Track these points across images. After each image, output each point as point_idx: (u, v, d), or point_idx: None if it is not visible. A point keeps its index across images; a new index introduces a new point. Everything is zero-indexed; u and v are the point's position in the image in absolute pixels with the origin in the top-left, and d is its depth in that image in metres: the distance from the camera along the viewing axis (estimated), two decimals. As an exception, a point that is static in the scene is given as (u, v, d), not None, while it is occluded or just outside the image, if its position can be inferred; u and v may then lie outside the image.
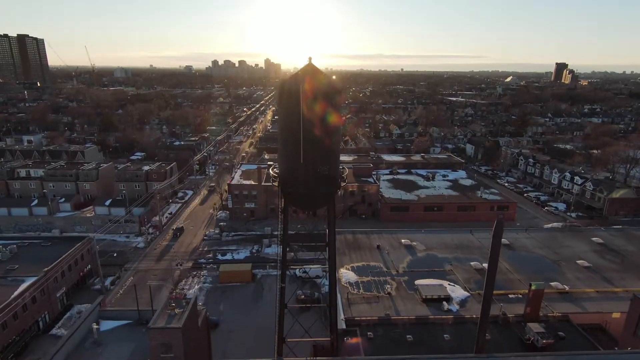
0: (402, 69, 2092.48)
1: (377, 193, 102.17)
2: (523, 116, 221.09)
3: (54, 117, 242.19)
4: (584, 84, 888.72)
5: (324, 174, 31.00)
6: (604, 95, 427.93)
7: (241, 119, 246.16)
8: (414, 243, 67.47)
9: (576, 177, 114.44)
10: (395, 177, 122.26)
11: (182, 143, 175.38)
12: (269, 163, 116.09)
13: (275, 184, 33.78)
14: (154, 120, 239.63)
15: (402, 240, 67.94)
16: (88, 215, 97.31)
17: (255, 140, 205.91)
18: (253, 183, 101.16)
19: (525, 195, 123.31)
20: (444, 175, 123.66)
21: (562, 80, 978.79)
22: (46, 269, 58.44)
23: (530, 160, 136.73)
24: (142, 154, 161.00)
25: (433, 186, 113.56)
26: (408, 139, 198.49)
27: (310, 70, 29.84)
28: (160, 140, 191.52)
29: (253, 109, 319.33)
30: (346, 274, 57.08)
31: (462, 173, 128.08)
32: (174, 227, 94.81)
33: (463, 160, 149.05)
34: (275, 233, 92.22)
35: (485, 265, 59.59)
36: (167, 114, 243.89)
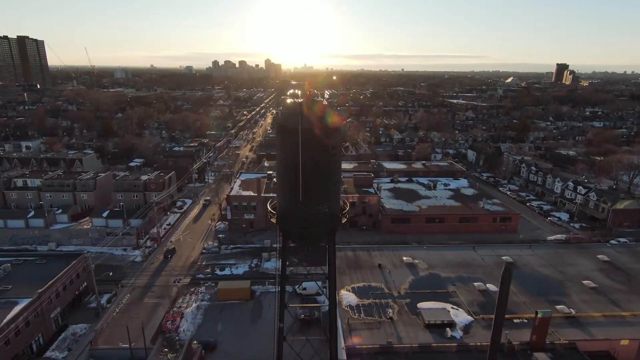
0: (402, 69, 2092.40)
1: (378, 204, 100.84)
2: (525, 120, 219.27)
3: (53, 121, 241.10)
4: (584, 84, 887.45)
5: (325, 212, 29.71)
6: (605, 97, 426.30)
7: (241, 124, 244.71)
8: (416, 261, 66.14)
9: (579, 187, 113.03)
10: (396, 185, 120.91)
11: (182, 149, 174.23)
12: (268, 172, 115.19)
13: (274, 220, 32.46)
14: (154, 124, 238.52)
15: (404, 258, 66.59)
16: (85, 227, 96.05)
17: (255, 145, 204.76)
18: (252, 194, 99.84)
19: (527, 204, 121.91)
20: (445, 184, 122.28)
21: (563, 81, 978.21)
22: (40, 290, 57.18)
23: (533, 168, 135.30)
24: (141, 160, 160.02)
25: (435, 196, 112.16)
26: (409, 144, 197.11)
27: (309, 104, 28.52)
28: (160, 145, 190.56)
29: (253, 112, 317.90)
30: (347, 296, 55.78)
31: (463, 182, 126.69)
32: (165, 248, 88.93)
33: (464, 168, 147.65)
34: (275, 246, 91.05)
35: (489, 286, 58.51)
36: (167, 118, 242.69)
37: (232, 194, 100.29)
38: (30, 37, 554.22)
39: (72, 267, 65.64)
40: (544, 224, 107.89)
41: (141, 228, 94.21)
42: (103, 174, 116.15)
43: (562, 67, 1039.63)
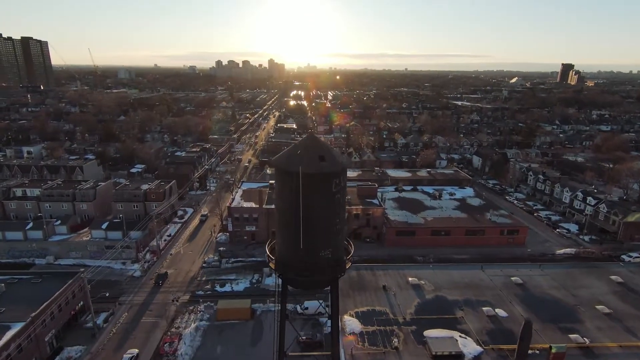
0: (406, 69, 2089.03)
1: (382, 216, 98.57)
2: (531, 125, 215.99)
3: (55, 124, 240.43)
4: (590, 84, 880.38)
5: (327, 257, 27.59)
6: (612, 99, 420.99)
7: (243, 128, 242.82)
8: (422, 282, 63.93)
9: (589, 198, 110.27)
10: (400, 195, 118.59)
11: (184, 154, 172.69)
12: (270, 182, 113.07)
13: (272, 265, 30.40)
14: (156, 128, 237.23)
15: (410, 279, 64.41)
16: (85, 238, 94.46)
17: (258, 148, 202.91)
18: (254, 206, 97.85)
19: (535, 214, 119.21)
20: (451, 194, 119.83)
21: (568, 81, 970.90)
22: (34, 314, 55.44)
23: (540, 176, 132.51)
24: (143, 166, 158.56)
25: (440, 206, 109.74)
26: (413, 149, 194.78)
27: (311, 145, 26.39)
28: (162, 150, 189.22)
29: (256, 115, 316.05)
30: (350, 323, 53.69)
31: (469, 191, 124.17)
32: (156, 273, 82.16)
33: (470, 176, 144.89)
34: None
35: (498, 311, 56.17)
36: (169, 121, 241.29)
37: (233, 205, 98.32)
38: (34, 38, 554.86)
39: (68, 287, 63.90)
40: (552, 235, 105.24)
41: (141, 241, 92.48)
42: (103, 183, 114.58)
43: (567, 67, 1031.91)
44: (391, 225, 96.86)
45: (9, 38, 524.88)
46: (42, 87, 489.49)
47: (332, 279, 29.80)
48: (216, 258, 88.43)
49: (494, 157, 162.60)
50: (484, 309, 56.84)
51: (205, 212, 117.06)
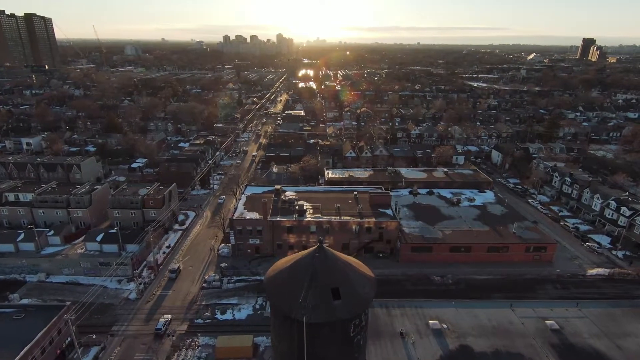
0: (418, 43, 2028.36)
1: (396, 230, 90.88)
2: (554, 117, 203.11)
3: (57, 110, 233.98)
4: (611, 61, 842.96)
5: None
6: (638, 80, 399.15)
7: (249, 116, 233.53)
8: (444, 326, 56.76)
9: (623, 208, 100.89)
10: (415, 200, 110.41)
11: (187, 146, 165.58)
12: (276, 187, 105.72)
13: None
14: (160, 114, 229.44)
15: (430, 322, 57.21)
16: (79, 250, 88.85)
17: (264, 140, 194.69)
18: (258, 217, 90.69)
19: (561, 223, 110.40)
20: (470, 199, 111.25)
21: (589, 57, 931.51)
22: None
23: (567, 179, 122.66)
24: (144, 160, 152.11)
25: (459, 215, 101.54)
26: (427, 141, 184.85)
27: (320, 268, 18.50)
28: (164, 142, 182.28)
29: (263, 100, 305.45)
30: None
31: (490, 195, 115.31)
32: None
33: (489, 173, 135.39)
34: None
35: (534, 371, 48.87)
36: (173, 108, 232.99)
37: (235, 216, 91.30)
38: (38, 14, 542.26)
39: (53, 325, 58.18)
40: (581, 250, 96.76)
41: (138, 256, 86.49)
42: (99, 187, 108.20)
43: (588, 42, 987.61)
44: (406, 240, 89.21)
45: (12, 15, 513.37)
46: (46, 67, 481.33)
47: None
48: (217, 277, 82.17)
49: (515, 152, 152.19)
50: (517, 366, 49.82)
51: (177, 265, 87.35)
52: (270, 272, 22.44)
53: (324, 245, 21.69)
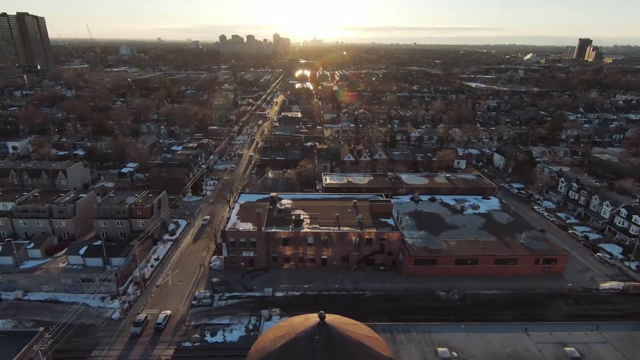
0: (415, 43, 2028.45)
1: (398, 241, 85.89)
2: (556, 119, 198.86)
3: (47, 112, 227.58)
4: (607, 61, 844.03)
5: None
6: (636, 81, 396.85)
7: (244, 118, 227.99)
8: (454, 354, 51.80)
9: (635, 216, 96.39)
10: (417, 208, 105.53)
11: (180, 150, 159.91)
12: (272, 194, 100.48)
13: None
14: (153, 115, 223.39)
15: (439, 350, 52.25)
16: (61, 264, 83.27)
17: (260, 142, 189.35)
18: (252, 228, 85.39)
19: (569, 231, 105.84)
20: (474, 207, 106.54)
21: (586, 58, 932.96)
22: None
23: (574, 184, 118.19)
24: (135, 165, 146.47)
25: (464, 224, 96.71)
26: (427, 144, 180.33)
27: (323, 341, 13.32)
28: (157, 145, 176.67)
29: (259, 101, 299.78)
30: None
31: (494, 202, 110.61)
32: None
33: (492, 177, 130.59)
34: (278, 295, 77.61)
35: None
36: (166, 109, 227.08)
37: (228, 227, 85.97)
38: (30, 13, 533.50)
39: (24, 354, 52.70)
40: (592, 261, 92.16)
41: (123, 270, 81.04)
42: (85, 195, 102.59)
43: (584, 43, 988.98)
44: (409, 252, 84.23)
45: (4, 14, 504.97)
46: (38, 67, 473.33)
47: None
48: (208, 294, 76.87)
49: (518, 156, 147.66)
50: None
51: (144, 316, 71.36)
52: (256, 355, 17.28)
53: (326, 320, 16.78)
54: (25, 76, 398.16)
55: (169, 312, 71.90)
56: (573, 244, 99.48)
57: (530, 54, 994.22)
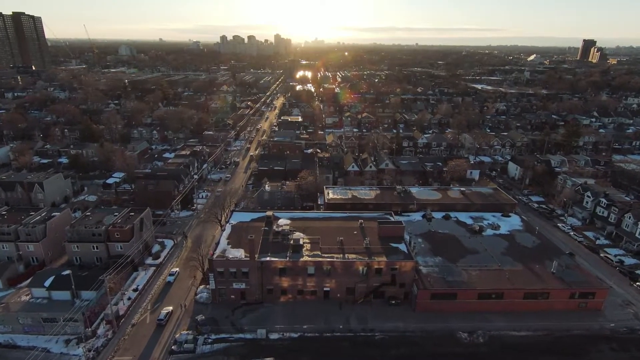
0: (416, 44, 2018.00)
1: (412, 271, 74.73)
2: (573, 124, 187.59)
3: (35, 115, 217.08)
4: (612, 62, 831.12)
5: None
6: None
7: (242, 123, 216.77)
8: None
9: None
10: (430, 227, 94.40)
11: (172, 158, 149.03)
12: (267, 214, 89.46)
13: None
14: (146, 119, 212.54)
15: None
16: (25, 297, 72.41)
17: (257, 150, 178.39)
18: (244, 256, 74.26)
19: (601, 254, 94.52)
20: (493, 226, 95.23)
21: (590, 59, 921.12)
22: None
23: (602, 200, 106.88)
24: (122, 175, 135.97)
25: (484, 248, 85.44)
26: (436, 151, 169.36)
27: None
28: (148, 152, 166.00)
29: (258, 104, 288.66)
30: None
31: (516, 220, 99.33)
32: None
33: (514, 199, 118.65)
34: (273, 338, 66.40)
35: None
36: (160, 113, 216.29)
37: (216, 255, 74.86)
38: (26, 13, 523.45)
39: None
40: (631, 292, 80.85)
41: (94, 307, 70.02)
42: (58, 214, 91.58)
43: (588, 44, 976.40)
44: (425, 285, 73.01)
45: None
46: (33, 68, 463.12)
47: None
48: (191, 336, 65.74)
49: (536, 166, 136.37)
50: None
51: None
52: None
53: None
54: (19, 77, 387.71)
55: (170, 308, 73.18)
56: (607, 270, 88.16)
57: (534, 55, 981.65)
